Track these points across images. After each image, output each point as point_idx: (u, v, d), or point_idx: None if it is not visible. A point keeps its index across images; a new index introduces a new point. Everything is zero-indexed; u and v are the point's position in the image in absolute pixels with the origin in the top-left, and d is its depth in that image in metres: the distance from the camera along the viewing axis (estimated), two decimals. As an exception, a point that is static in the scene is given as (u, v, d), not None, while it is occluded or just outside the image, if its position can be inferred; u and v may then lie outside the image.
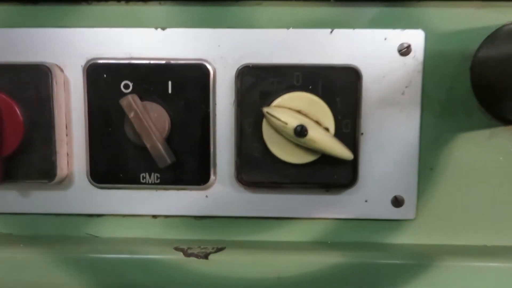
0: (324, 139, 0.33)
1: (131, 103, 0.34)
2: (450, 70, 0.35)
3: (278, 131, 0.34)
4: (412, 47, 0.35)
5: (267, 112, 0.33)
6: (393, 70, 0.35)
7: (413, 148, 0.36)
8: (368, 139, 0.36)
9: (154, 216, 0.38)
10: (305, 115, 0.34)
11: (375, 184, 0.36)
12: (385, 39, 0.35)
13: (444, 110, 0.36)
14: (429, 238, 0.37)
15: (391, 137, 0.36)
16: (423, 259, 0.35)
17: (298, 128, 0.32)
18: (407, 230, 0.37)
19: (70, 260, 0.35)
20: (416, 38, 0.35)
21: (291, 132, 0.33)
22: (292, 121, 0.33)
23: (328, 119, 0.34)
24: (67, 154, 0.37)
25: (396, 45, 0.35)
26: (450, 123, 0.36)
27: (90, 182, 0.37)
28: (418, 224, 0.37)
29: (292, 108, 0.34)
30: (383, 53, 0.35)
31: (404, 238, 0.37)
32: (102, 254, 0.36)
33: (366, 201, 0.37)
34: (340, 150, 0.34)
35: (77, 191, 0.37)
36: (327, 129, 0.34)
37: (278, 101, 0.35)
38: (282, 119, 0.32)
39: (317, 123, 0.34)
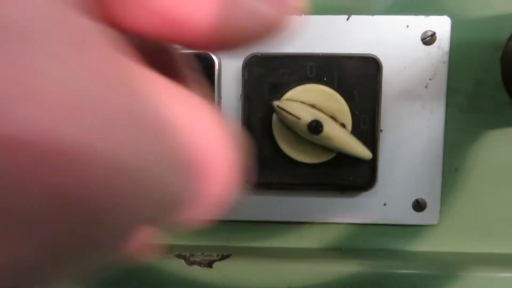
0: (341, 136, 0.30)
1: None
2: (479, 61, 0.33)
3: (290, 127, 0.31)
4: (437, 35, 0.32)
5: (278, 106, 0.30)
6: (416, 61, 0.33)
7: (437, 146, 0.34)
8: (388, 136, 0.33)
9: (154, 220, 0.35)
10: (319, 109, 0.31)
11: (395, 186, 0.34)
12: (407, 26, 0.32)
13: (472, 105, 0.33)
14: (453, 246, 0.35)
15: (412, 134, 0.33)
16: (447, 268, 0.33)
17: (313, 124, 0.30)
18: (430, 237, 0.35)
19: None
20: (441, 25, 0.33)
21: (305, 128, 0.30)
22: (305, 116, 0.30)
23: (344, 114, 0.31)
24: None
25: (419, 33, 0.33)
26: (477, 119, 0.34)
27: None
28: (442, 230, 0.35)
29: (305, 102, 0.31)
30: (404, 41, 0.33)
31: (426, 245, 0.35)
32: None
33: (384, 204, 0.34)
34: (358, 149, 0.31)
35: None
36: (343, 125, 0.31)
37: (289, 94, 0.32)
38: (295, 113, 0.30)
39: (333, 118, 0.31)
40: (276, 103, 0.31)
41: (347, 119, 0.32)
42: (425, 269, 0.33)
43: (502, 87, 0.33)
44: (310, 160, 0.32)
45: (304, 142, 0.32)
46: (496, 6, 0.33)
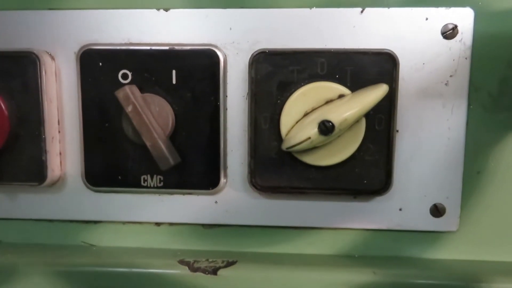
0: (350, 107, 0.28)
1: (129, 95, 0.30)
2: (504, 57, 0.31)
3: (313, 148, 0.30)
4: (459, 28, 0.30)
5: (287, 149, 0.29)
6: (436, 56, 0.30)
7: (458, 148, 0.31)
8: (405, 137, 0.31)
9: (157, 224, 0.34)
10: (313, 108, 0.30)
11: (412, 190, 0.32)
12: (427, 19, 0.30)
13: (495, 104, 0.31)
14: (473, 254, 0.33)
15: (431, 135, 0.31)
16: (466, 278, 0.31)
17: (322, 128, 0.28)
18: (448, 244, 0.33)
19: (62, 273, 0.32)
20: (463, 18, 0.30)
21: (322, 138, 0.28)
22: (310, 129, 0.28)
23: (332, 88, 0.30)
24: (60, 153, 0.33)
25: (439, 27, 0.30)
26: (502, 119, 0.31)
27: (85, 185, 0.33)
28: (461, 237, 0.33)
29: (312, 104, 0.30)
30: (423, 36, 0.30)
31: (444, 253, 0.33)
32: (98, 267, 0.32)
33: (400, 209, 0.32)
34: (373, 94, 0.28)
35: (71, 194, 0.34)
36: (341, 96, 0.29)
37: (298, 93, 0.30)
38: (302, 139, 0.28)
39: (329, 101, 0.29)
40: (283, 148, 0.30)
41: (337, 88, 0.30)
42: (443, 279, 0.31)
43: (529, 84, 0.31)
44: (321, 162, 0.31)
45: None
46: (524, -3, 0.30)
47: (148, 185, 0.33)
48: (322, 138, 0.28)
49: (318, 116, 0.29)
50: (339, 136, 0.30)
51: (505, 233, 0.33)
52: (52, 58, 0.32)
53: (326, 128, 0.28)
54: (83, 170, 0.33)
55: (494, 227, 0.33)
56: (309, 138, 0.28)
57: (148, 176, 0.33)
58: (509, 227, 0.33)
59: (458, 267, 0.32)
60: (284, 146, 0.30)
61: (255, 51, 0.31)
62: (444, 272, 0.32)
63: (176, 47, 0.31)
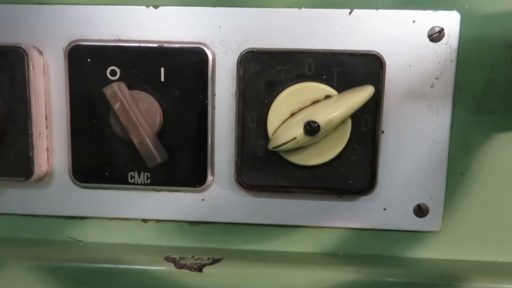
0: (336, 108, 0.28)
1: (117, 92, 0.30)
2: (488, 60, 0.31)
3: (300, 147, 0.30)
4: (445, 31, 0.30)
5: (273, 148, 0.30)
6: (422, 59, 0.31)
7: (442, 149, 0.32)
8: (390, 138, 0.32)
9: (144, 220, 0.34)
10: (300, 108, 0.30)
11: (396, 190, 0.32)
12: (414, 21, 0.30)
13: (480, 106, 0.32)
14: (456, 253, 0.34)
15: (416, 136, 0.32)
16: (448, 278, 0.31)
17: (308, 128, 0.28)
18: (431, 244, 0.34)
19: (48, 268, 0.32)
20: (450, 21, 0.31)
21: (307, 138, 0.28)
22: (296, 129, 0.29)
23: (319, 89, 0.30)
24: (47, 149, 0.33)
25: (426, 29, 0.31)
26: (486, 121, 0.32)
27: (73, 181, 0.33)
28: (444, 237, 0.34)
29: (299, 104, 0.30)
30: (410, 38, 0.31)
31: (427, 252, 0.34)
32: (84, 263, 0.32)
33: (384, 209, 0.32)
34: (359, 95, 0.29)
35: (58, 190, 0.34)
36: (328, 96, 0.30)
37: (285, 93, 0.30)
38: (288, 139, 0.28)
39: (316, 102, 0.30)
40: (270, 147, 0.30)
41: (323, 89, 0.30)
42: (425, 278, 0.32)
43: (513, 87, 0.31)
44: (307, 162, 0.31)
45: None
46: (509, 1, 0.31)
47: (135, 182, 0.33)
48: (307, 138, 0.28)
49: (304, 116, 0.29)
50: (325, 136, 0.30)
51: (487, 233, 0.33)
52: (40, 53, 0.32)
53: (311, 128, 0.28)
54: (71, 166, 0.33)
55: (477, 227, 0.33)
56: (295, 138, 0.28)
57: (136, 172, 0.33)
58: (491, 228, 0.33)
59: (440, 266, 0.33)
60: (271, 145, 0.30)
61: (244, 50, 0.31)
62: (426, 271, 0.32)
63: (165, 45, 0.31)
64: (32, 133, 0.32)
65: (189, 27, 0.32)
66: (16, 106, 0.32)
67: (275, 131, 0.30)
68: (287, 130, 0.29)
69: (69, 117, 0.32)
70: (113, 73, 0.32)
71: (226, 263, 0.32)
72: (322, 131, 0.28)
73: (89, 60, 0.32)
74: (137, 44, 0.31)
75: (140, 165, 0.32)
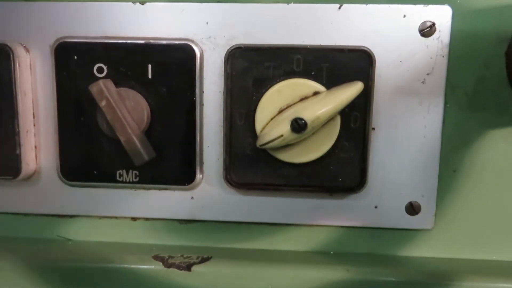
0: (324, 104, 0.28)
1: (102, 89, 0.30)
2: (480, 56, 0.31)
3: (287, 144, 0.29)
4: (437, 26, 0.30)
5: (261, 146, 0.29)
6: (413, 54, 0.30)
7: (434, 146, 0.31)
8: (380, 135, 0.31)
9: (134, 219, 0.34)
10: (288, 105, 0.29)
11: (387, 188, 0.32)
12: (404, 16, 0.30)
13: (472, 102, 0.31)
14: (448, 252, 0.33)
15: (407, 133, 0.31)
16: (440, 276, 0.31)
17: (295, 125, 0.27)
18: (423, 242, 0.33)
19: (37, 267, 0.32)
20: (441, 15, 0.30)
21: (294, 135, 0.28)
22: (283, 127, 0.28)
23: (306, 85, 0.30)
24: (35, 147, 0.33)
25: (417, 24, 0.30)
26: (478, 118, 0.31)
27: (61, 179, 0.33)
28: (436, 235, 0.33)
29: (287, 100, 0.30)
30: (401, 33, 0.30)
31: (419, 250, 0.33)
32: (73, 262, 0.32)
33: (376, 207, 0.32)
34: (348, 92, 0.28)
35: (47, 189, 0.34)
36: (316, 93, 0.29)
37: (273, 90, 0.30)
38: (275, 136, 0.28)
39: (304, 98, 0.29)
40: (257, 144, 0.29)
41: (312, 85, 0.29)
42: (417, 276, 0.31)
43: (506, 83, 0.31)
44: (295, 159, 0.30)
45: (288, 141, 0.30)
46: (502, -5, 0.30)
47: (124, 180, 0.32)
48: (294, 135, 0.28)
49: (291, 113, 0.28)
50: (313, 134, 0.29)
51: (479, 231, 0.33)
52: (27, 50, 0.32)
53: (298, 125, 0.28)
54: (59, 164, 0.33)
55: (469, 225, 0.33)
56: (282, 135, 0.28)
57: (124, 171, 0.32)
58: (483, 226, 0.33)
59: (432, 265, 0.32)
60: (258, 143, 0.29)
61: (232, 47, 0.30)
62: (419, 269, 0.32)
63: (152, 41, 0.31)
64: (19, 131, 0.32)
65: (177, 23, 0.31)
66: (2, 104, 0.31)
67: (263, 128, 0.30)
68: (274, 127, 0.29)
69: (57, 115, 0.32)
70: (100, 70, 0.31)
71: (215, 262, 0.32)
72: (309, 128, 0.28)
73: (76, 57, 0.31)
74: (124, 41, 0.31)
75: (128, 163, 0.32)
